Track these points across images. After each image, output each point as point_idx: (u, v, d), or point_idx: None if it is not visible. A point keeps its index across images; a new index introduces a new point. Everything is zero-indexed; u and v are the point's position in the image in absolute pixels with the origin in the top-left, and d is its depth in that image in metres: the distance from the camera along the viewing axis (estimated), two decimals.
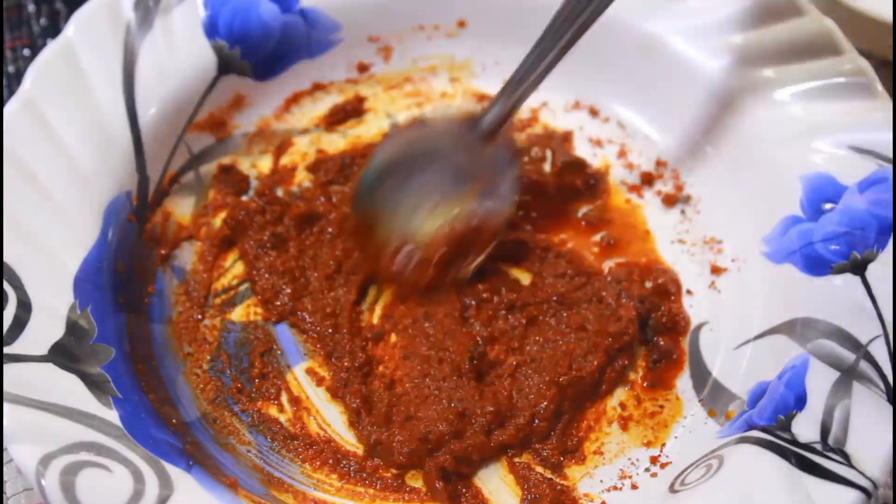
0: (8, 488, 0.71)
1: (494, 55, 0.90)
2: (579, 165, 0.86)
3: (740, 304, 0.79)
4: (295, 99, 0.89)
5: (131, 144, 0.80)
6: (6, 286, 0.69)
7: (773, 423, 0.69)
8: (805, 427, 0.68)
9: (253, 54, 0.86)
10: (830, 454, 0.66)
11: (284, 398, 0.77)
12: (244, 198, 0.85)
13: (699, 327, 0.80)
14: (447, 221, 0.78)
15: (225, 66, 0.84)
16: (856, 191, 0.74)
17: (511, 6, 0.88)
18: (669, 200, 0.85)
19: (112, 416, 0.68)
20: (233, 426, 0.76)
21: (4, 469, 0.65)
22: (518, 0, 0.88)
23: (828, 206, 0.75)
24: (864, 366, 0.69)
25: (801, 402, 0.70)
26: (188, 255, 0.83)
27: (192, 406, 0.76)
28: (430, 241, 0.77)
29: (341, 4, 0.87)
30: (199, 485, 0.67)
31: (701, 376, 0.78)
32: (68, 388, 0.68)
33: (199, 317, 0.80)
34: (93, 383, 0.69)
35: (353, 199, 0.80)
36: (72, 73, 0.79)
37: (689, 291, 0.81)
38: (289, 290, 0.81)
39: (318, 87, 0.89)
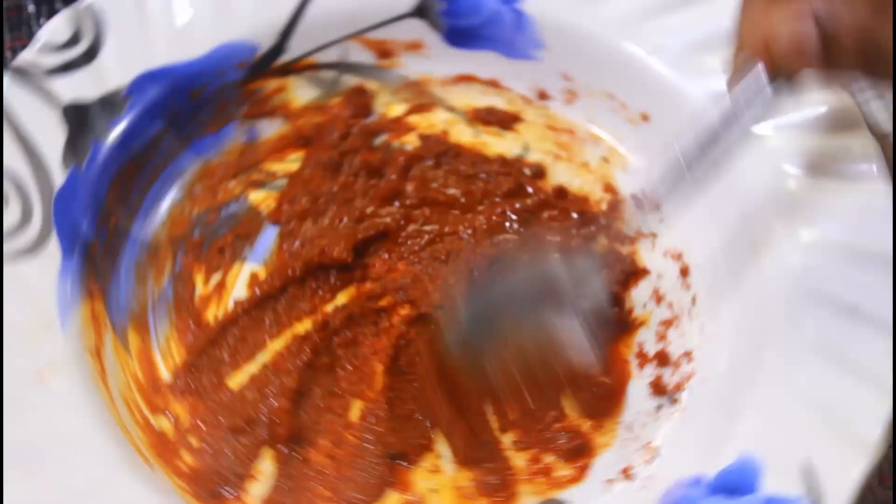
0: None
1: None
2: None
3: None
4: (468, 79, 0.89)
5: (291, 12, 0.85)
6: None
7: None
8: None
9: (454, 17, 0.86)
10: None
11: (216, 278, 0.81)
12: None
13: None
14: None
15: (421, 11, 0.86)
16: None
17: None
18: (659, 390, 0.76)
19: (58, 176, 0.76)
20: (161, 265, 0.82)
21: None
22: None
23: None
24: None
25: None
26: (270, 130, 0.87)
27: (150, 227, 0.82)
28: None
29: (558, 30, 0.85)
30: (59, 264, 0.74)
31: None
32: (53, 127, 0.78)
33: (232, 175, 0.85)
34: (74, 143, 0.77)
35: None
36: None
37: None
38: (304, 206, 0.83)
39: (493, 84, 0.89)
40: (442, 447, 0.75)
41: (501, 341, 0.74)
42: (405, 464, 0.74)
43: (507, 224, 0.83)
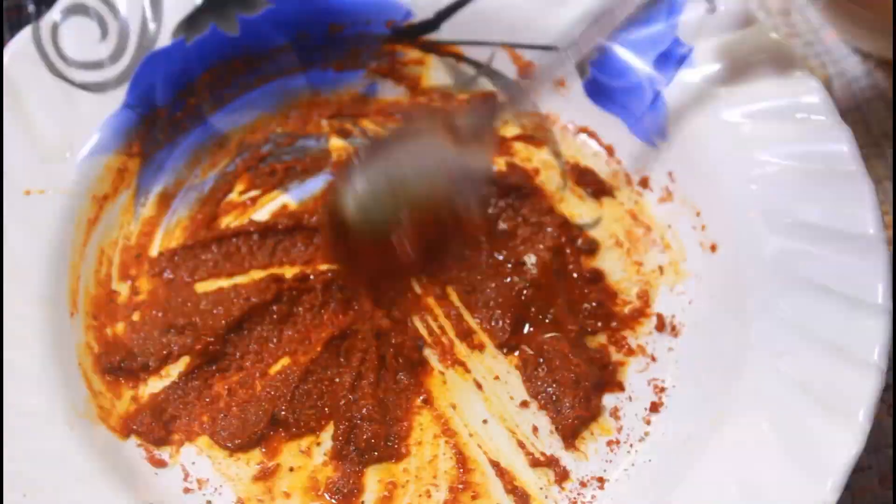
0: None
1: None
2: None
3: None
4: (589, 133, 0.85)
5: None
6: None
7: None
8: None
9: (601, 71, 0.83)
10: None
11: (253, 193, 0.85)
12: None
13: None
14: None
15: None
16: None
17: None
18: None
19: (164, 40, 0.82)
20: (217, 159, 0.87)
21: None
22: None
23: None
24: None
25: None
26: (388, 93, 0.89)
27: (228, 122, 0.87)
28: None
29: (683, 129, 0.79)
30: (113, 111, 0.80)
31: None
32: None
33: (330, 115, 0.88)
34: (194, 19, 0.83)
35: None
36: None
37: None
38: None
39: (608, 149, 0.85)
40: (325, 438, 0.74)
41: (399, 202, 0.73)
42: (283, 433, 0.74)
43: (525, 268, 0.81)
